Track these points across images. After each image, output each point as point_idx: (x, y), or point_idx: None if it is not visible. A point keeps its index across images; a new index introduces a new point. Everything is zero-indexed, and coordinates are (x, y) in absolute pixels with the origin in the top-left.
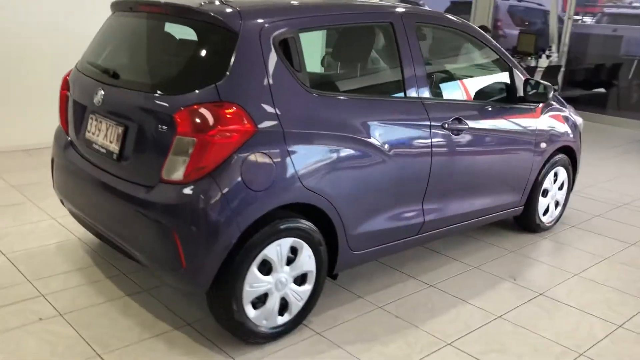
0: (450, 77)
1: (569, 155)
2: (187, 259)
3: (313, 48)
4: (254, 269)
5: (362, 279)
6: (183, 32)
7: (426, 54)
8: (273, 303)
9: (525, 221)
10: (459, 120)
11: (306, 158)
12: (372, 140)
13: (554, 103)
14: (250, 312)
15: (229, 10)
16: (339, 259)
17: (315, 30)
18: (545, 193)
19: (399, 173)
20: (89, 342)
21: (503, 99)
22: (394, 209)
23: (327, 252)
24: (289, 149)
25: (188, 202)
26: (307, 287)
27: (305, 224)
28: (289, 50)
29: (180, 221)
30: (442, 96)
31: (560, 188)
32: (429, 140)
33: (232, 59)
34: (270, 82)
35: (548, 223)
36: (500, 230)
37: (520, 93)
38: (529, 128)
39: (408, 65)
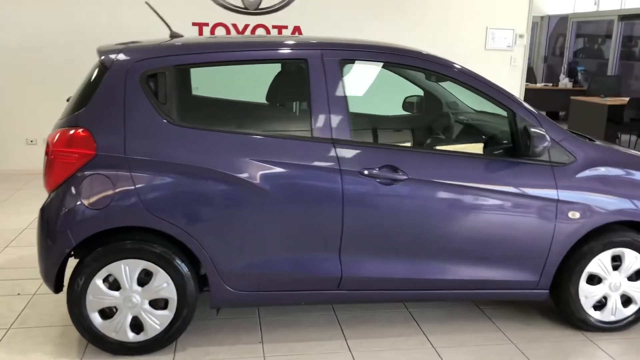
0: (399, 121)
1: None
2: (39, 261)
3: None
4: (97, 281)
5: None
6: None
7: (365, 93)
8: (121, 318)
9: (562, 312)
10: (393, 169)
11: (155, 185)
12: (246, 178)
13: (611, 158)
14: (96, 320)
15: (112, 48)
16: (212, 293)
17: (199, 67)
18: (595, 280)
19: (288, 218)
20: None
21: (502, 150)
22: (291, 255)
23: (195, 283)
24: (134, 174)
25: (41, 210)
26: (166, 313)
27: (159, 249)
28: (157, 85)
29: (38, 226)
30: (377, 140)
31: (634, 279)
32: (336, 186)
33: (97, 90)
34: (126, 112)
35: (607, 323)
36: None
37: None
38: (542, 189)
39: (320, 104)
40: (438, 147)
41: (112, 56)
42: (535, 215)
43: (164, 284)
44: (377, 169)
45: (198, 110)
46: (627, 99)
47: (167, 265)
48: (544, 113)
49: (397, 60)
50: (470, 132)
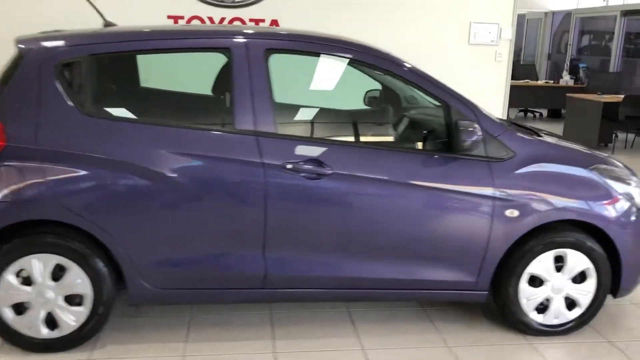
0: (330, 114)
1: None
2: None
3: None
4: (8, 276)
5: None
6: None
7: (293, 86)
8: (35, 314)
9: (504, 314)
10: (318, 163)
11: (67, 178)
12: (162, 171)
13: (553, 154)
14: (8, 315)
15: (29, 37)
16: (129, 290)
17: (117, 56)
18: (537, 281)
19: (207, 214)
20: None
21: (439, 146)
22: (212, 252)
23: (112, 280)
24: (46, 166)
25: None
26: (82, 310)
27: (73, 244)
28: (72, 75)
29: None
30: (306, 134)
31: (578, 281)
32: (258, 181)
33: (10, 80)
34: (40, 102)
35: (550, 326)
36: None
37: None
38: (478, 186)
39: (243, 95)
40: (370, 141)
41: (28, 45)
42: (470, 213)
43: (77, 280)
44: (302, 163)
45: (115, 101)
46: (622, 96)
47: (81, 261)
48: (545, 111)
49: (325, 50)
50: (410, 127)
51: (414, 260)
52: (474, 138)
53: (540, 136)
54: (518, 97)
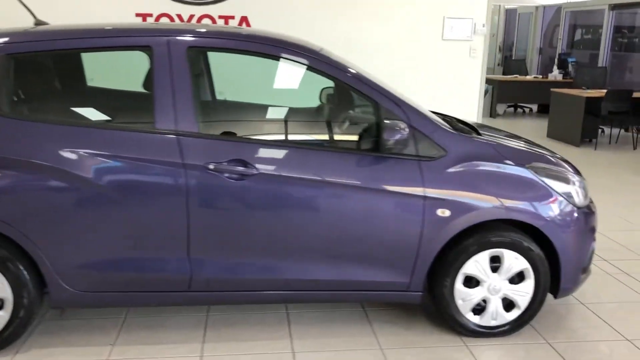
0: (259, 112)
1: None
2: None
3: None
4: None
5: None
6: None
7: (217, 83)
8: None
9: (441, 316)
10: (242, 163)
11: None
12: (79, 173)
13: (488, 152)
14: None
15: None
16: (51, 293)
17: (32, 55)
18: (473, 282)
19: (127, 216)
20: None
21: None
22: (134, 255)
23: (33, 283)
24: None
25: None
26: (2, 314)
27: None
28: None
29: None
30: (233, 134)
31: (516, 282)
32: (179, 182)
33: None
34: None
35: (487, 328)
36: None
37: (387, 137)
38: (407, 185)
39: (163, 92)
40: (298, 141)
41: None
42: (401, 213)
43: None
44: (225, 164)
45: (32, 101)
46: (605, 91)
47: (0, 265)
48: (534, 106)
49: (245, 47)
50: (343, 126)
51: (345, 261)
52: (397, 137)
53: (480, 134)
54: (507, 92)
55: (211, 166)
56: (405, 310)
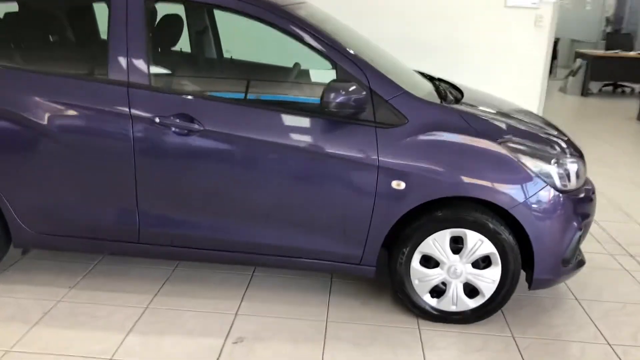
0: (214, 67)
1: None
2: None
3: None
4: None
5: None
6: None
7: (170, 36)
8: None
9: (397, 295)
10: (188, 118)
11: None
12: (33, 118)
13: (454, 122)
14: None
15: None
16: (12, 232)
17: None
18: (432, 262)
19: (78, 162)
20: None
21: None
22: (86, 201)
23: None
24: None
25: None
26: None
27: None
28: None
29: None
30: (185, 88)
31: (479, 266)
32: (126, 133)
33: None
34: None
35: (446, 313)
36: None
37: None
38: (360, 152)
39: (118, 43)
40: (250, 98)
41: None
42: (351, 181)
43: None
44: (172, 118)
45: None
46: None
47: None
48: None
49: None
50: (300, 85)
51: (291, 226)
52: (336, 99)
53: (452, 101)
54: (604, 69)
55: (157, 119)
56: (372, 286)
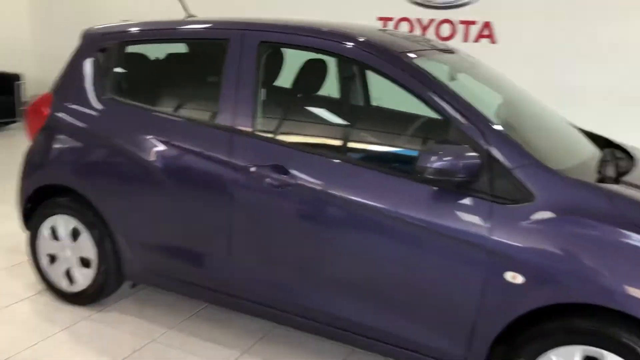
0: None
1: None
2: None
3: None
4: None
5: None
6: None
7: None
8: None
9: None
10: (282, 170)
11: (77, 151)
12: (145, 156)
13: (599, 206)
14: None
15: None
16: (122, 263)
17: (142, 44)
18: None
19: (176, 202)
20: None
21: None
22: (183, 242)
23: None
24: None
25: None
26: (88, 272)
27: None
28: (109, 57)
29: None
30: (276, 135)
31: None
32: (225, 181)
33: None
34: (79, 81)
35: None
36: None
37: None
38: (465, 228)
39: (228, 87)
40: (355, 155)
41: (87, 33)
42: (454, 263)
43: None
44: (265, 168)
45: (125, 84)
46: None
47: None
48: None
49: (323, 46)
50: (407, 142)
51: (383, 306)
52: (440, 165)
53: (618, 182)
54: None
55: (252, 169)
56: None
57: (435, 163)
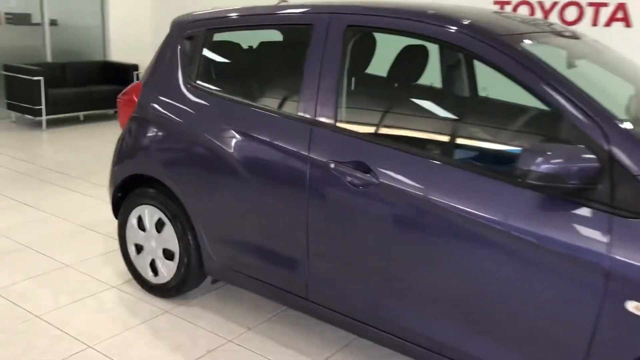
0: (407, 107)
1: None
2: None
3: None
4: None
5: None
6: None
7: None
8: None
9: None
10: (364, 168)
11: (165, 142)
12: (225, 147)
13: None
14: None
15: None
16: (203, 259)
17: (227, 31)
18: None
19: (255, 196)
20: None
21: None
22: (261, 239)
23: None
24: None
25: None
26: (171, 264)
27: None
28: (195, 45)
29: None
30: (360, 127)
31: None
32: (304, 179)
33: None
34: (166, 70)
35: None
36: None
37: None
38: (575, 243)
39: (311, 78)
40: (439, 148)
41: (175, 22)
42: (562, 285)
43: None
44: (346, 165)
45: (210, 73)
46: None
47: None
48: None
49: (415, 29)
50: (509, 139)
51: (470, 327)
52: (547, 168)
53: None
54: None
55: (332, 165)
56: None
57: (542, 166)
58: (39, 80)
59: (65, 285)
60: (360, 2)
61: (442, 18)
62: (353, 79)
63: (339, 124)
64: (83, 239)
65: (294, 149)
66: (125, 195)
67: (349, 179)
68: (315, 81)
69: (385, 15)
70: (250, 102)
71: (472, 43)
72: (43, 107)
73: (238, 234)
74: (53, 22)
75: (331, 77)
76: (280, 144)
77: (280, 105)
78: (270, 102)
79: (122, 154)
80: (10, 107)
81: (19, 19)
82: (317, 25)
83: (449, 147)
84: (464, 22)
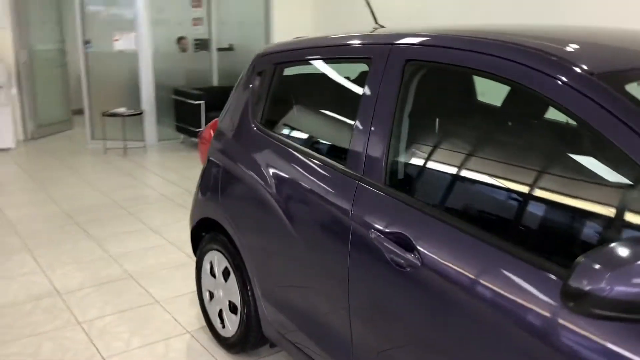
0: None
1: None
2: None
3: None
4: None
5: None
6: None
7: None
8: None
9: None
10: (405, 243)
11: (228, 183)
12: (277, 199)
13: None
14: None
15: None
16: (260, 317)
17: (292, 65)
18: None
19: (301, 258)
20: None
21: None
22: (312, 302)
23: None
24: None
25: None
26: (235, 318)
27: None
28: (263, 82)
29: None
30: (414, 189)
31: None
32: (345, 240)
33: None
34: (236, 108)
35: None
36: None
37: None
38: None
39: (364, 123)
40: (511, 231)
41: (255, 56)
42: None
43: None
44: (385, 234)
45: (273, 114)
46: None
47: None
48: None
49: (481, 65)
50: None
51: None
52: (588, 288)
53: None
54: None
55: (373, 234)
56: None
57: (616, 290)
58: (199, 104)
59: (145, 325)
60: (430, 29)
61: (516, 48)
62: (414, 126)
63: (389, 182)
64: (186, 272)
65: (341, 208)
66: (201, 235)
67: (390, 255)
68: (365, 127)
69: (446, 46)
70: (306, 150)
71: (540, 81)
72: (202, 129)
73: (284, 296)
74: (230, 48)
75: (383, 123)
76: (329, 200)
77: (333, 155)
78: (325, 150)
79: (197, 195)
80: (179, 129)
81: (203, 46)
82: (375, 59)
83: (521, 229)
84: (543, 54)
